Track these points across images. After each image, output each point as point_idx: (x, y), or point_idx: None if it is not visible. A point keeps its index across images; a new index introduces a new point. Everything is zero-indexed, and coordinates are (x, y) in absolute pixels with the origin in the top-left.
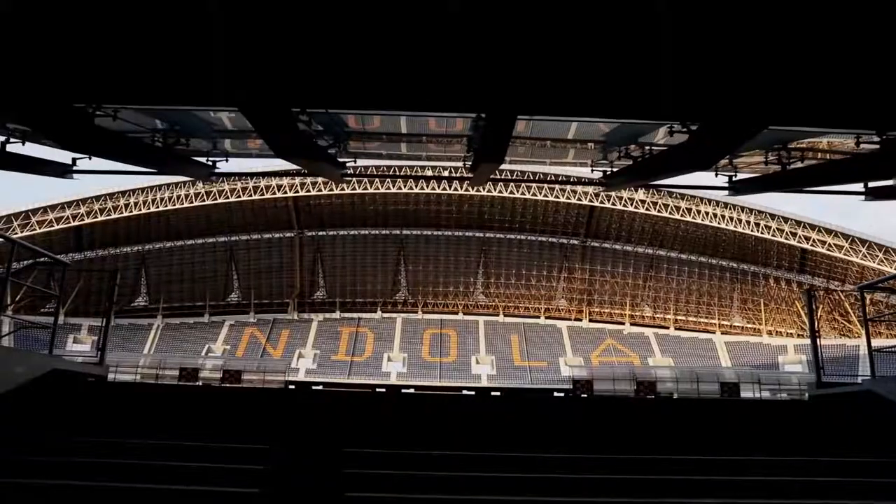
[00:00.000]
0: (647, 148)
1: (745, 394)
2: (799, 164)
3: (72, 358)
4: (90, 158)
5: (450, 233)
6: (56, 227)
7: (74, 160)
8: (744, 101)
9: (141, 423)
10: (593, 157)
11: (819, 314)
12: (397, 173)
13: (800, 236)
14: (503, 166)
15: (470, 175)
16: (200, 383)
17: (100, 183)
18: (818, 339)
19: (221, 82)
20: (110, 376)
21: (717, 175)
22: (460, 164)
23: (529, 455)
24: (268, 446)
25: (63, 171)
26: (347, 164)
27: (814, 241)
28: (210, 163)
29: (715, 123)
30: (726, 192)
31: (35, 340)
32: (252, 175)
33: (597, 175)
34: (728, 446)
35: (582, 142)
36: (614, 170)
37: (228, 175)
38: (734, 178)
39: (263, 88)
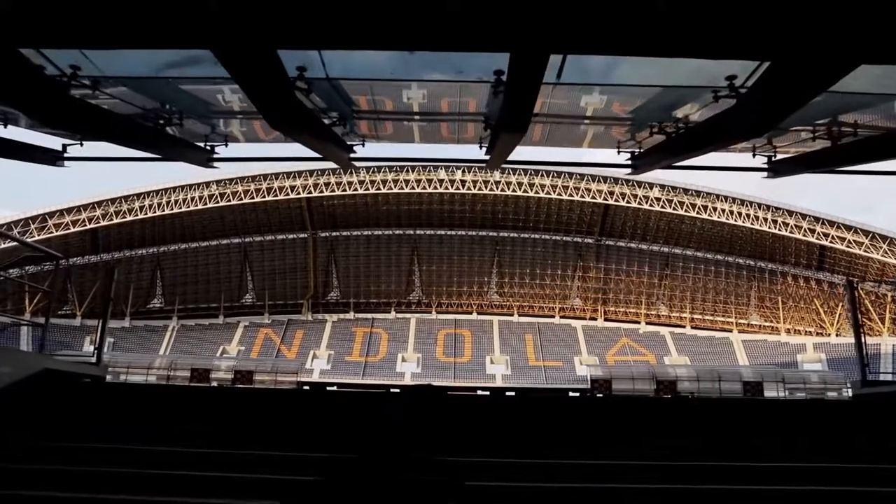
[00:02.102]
0: (682, 124)
1: (769, 393)
2: (850, 139)
3: (87, 359)
4: (81, 144)
5: (463, 232)
6: (72, 229)
7: (65, 147)
8: (834, 29)
9: (139, 428)
10: (619, 138)
11: (838, 312)
12: (410, 168)
13: (818, 233)
14: (517, 156)
15: (486, 158)
16: (216, 384)
17: (115, 185)
18: (863, 336)
19: (191, 15)
20: (122, 377)
21: (754, 156)
22: (476, 146)
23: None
24: (285, 453)
25: (54, 157)
26: (355, 148)
27: (833, 237)
28: (209, 147)
29: (791, 61)
30: (765, 174)
31: (54, 343)
32: (254, 160)
33: (623, 157)
34: (772, 451)
35: (606, 121)
36: (642, 150)
37: (228, 160)
38: (773, 159)
39: (240, 21)
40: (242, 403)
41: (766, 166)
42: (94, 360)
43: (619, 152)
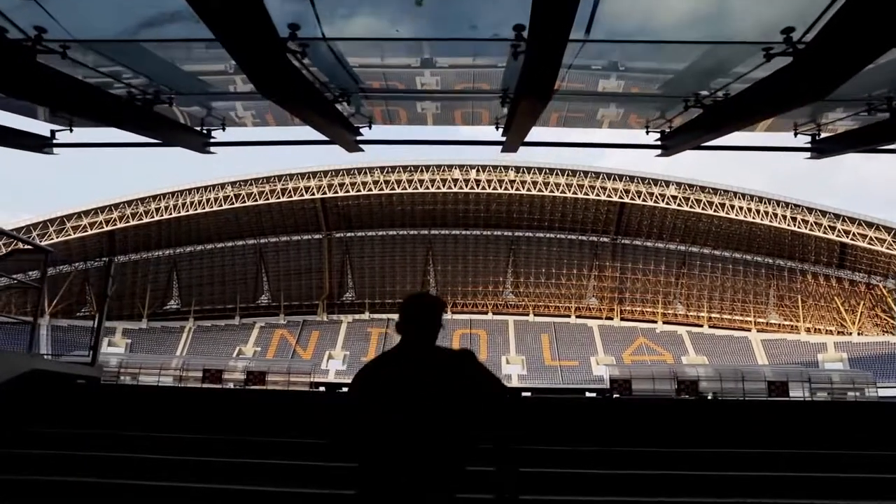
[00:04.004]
0: (721, 94)
1: (794, 393)
2: None
3: (106, 360)
4: (71, 130)
5: (478, 232)
6: (90, 231)
7: (53, 132)
8: None
9: (132, 434)
10: (648, 116)
11: (860, 310)
12: (424, 168)
13: (839, 230)
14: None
15: (503, 139)
16: (233, 385)
17: (131, 187)
18: None
19: None
20: (143, 378)
21: (796, 135)
22: (491, 127)
23: None
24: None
25: (41, 144)
26: (362, 130)
27: (854, 234)
28: (205, 132)
29: None
30: (808, 155)
31: (72, 344)
32: (253, 144)
33: (652, 138)
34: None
35: (633, 96)
36: (672, 129)
37: (226, 145)
38: (818, 138)
39: None
40: (246, 408)
41: (809, 146)
42: (89, 360)
43: (647, 132)
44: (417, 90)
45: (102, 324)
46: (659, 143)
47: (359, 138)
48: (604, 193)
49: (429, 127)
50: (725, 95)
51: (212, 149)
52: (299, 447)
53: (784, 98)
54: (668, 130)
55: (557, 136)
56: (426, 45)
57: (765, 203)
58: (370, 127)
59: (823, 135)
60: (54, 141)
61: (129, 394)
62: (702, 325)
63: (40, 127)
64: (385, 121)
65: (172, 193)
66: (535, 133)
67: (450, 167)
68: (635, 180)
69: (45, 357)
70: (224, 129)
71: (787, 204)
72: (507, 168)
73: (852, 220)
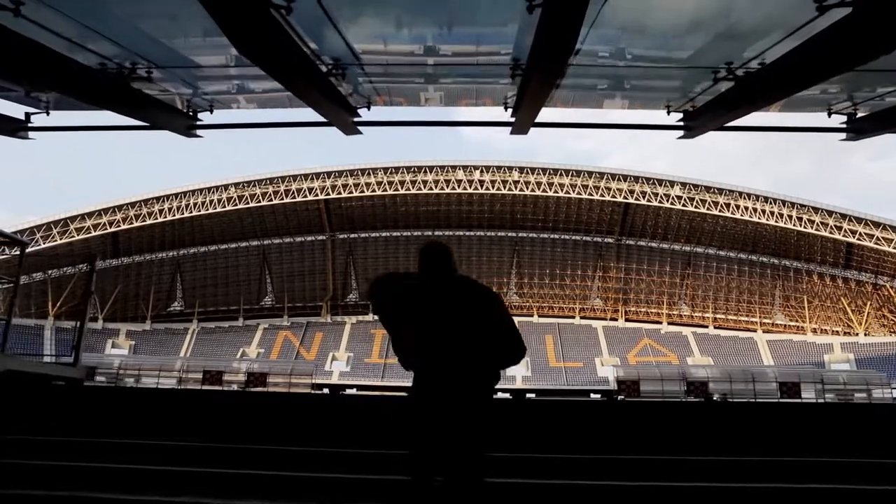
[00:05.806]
0: (757, 63)
1: (806, 395)
2: None
3: (110, 361)
4: (48, 113)
5: (482, 233)
6: (94, 233)
7: (28, 115)
8: None
9: (112, 440)
10: (669, 95)
11: (866, 311)
12: (428, 169)
13: (845, 230)
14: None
15: (512, 120)
16: (235, 387)
17: (135, 188)
18: None
19: None
20: (144, 380)
21: (829, 115)
22: (500, 107)
23: None
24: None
25: (14, 128)
26: (360, 112)
27: (860, 234)
28: (191, 113)
29: None
30: (843, 136)
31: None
32: (242, 127)
33: (674, 119)
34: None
35: (654, 69)
36: (697, 107)
37: (213, 128)
38: (855, 117)
39: None
40: (242, 413)
41: (844, 126)
42: (71, 360)
43: (668, 112)
44: (419, 64)
45: (85, 323)
46: (682, 123)
47: (357, 119)
48: (608, 194)
49: (432, 108)
50: (761, 64)
51: (198, 132)
52: (297, 455)
53: (834, 60)
54: (691, 109)
55: (569, 120)
56: (429, 8)
57: (770, 203)
58: (369, 108)
59: (861, 113)
60: (29, 125)
61: (113, 396)
62: (707, 326)
63: (14, 110)
64: (386, 104)
65: (176, 195)
66: (545, 116)
67: (453, 168)
68: (640, 180)
69: (48, 359)
70: (212, 112)
71: (792, 204)
72: (510, 168)
73: (859, 220)
